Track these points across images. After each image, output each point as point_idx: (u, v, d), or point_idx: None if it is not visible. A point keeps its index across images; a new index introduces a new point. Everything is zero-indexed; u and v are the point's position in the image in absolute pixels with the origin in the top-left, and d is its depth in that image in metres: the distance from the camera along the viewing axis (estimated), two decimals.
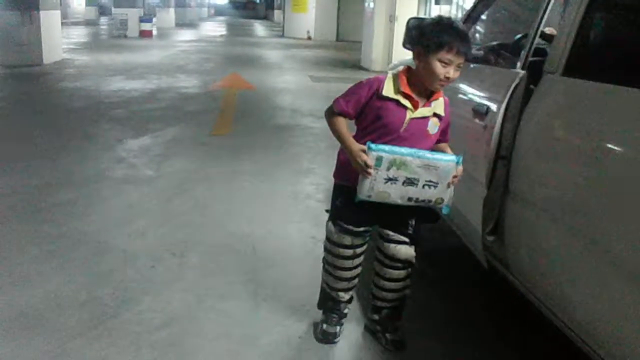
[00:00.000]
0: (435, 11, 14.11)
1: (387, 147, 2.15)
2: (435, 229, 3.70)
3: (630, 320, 1.67)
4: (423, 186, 2.19)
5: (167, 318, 2.72)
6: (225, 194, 4.57)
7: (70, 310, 2.75)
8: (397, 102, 2.22)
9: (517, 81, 2.33)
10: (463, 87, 2.96)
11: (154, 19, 23.69)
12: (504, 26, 3.87)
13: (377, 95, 2.24)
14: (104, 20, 36.06)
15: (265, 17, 56.38)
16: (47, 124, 6.91)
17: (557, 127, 2.17)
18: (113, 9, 23.51)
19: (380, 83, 2.26)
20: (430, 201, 2.26)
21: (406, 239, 2.46)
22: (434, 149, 2.30)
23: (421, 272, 2.60)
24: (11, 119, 7.21)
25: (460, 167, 2.21)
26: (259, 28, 35.89)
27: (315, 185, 4.83)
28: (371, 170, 2.15)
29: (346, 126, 2.31)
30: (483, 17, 3.73)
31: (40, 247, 3.41)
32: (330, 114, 2.34)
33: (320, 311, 2.68)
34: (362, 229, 2.43)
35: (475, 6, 3.55)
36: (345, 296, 2.59)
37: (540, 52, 2.54)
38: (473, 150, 2.55)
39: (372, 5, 14.27)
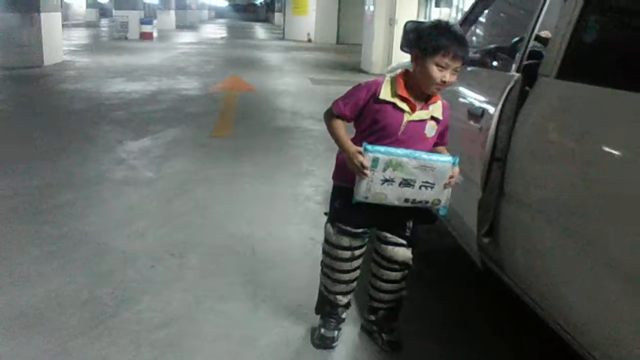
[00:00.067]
0: (435, 14, 14.14)
1: (382, 148, 2.16)
2: (432, 230, 3.73)
3: (625, 322, 1.68)
4: (420, 187, 2.20)
5: (167, 318, 2.75)
6: (225, 196, 4.60)
7: (71, 309, 2.78)
8: (395, 105, 2.23)
9: (511, 84, 2.35)
10: (460, 89, 2.99)
11: (155, 21, 23.77)
12: (502, 29, 3.89)
13: (375, 98, 2.25)
14: (104, 22, 36.14)
15: (266, 19, 56.50)
16: (47, 125, 6.94)
17: (552, 129, 2.19)
18: (114, 11, 23.53)
19: (378, 86, 2.26)
20: (427, 202, 2.26)
21: (403, 241, 2.47)
22: (431, 152, 2.32)
23: (418, 273, 2.62)
24: (12, 120, 7.24)
25: (457, 168, 2.22)
26: (260, 31, 35.95)
27: (314, 187, 4.86)
28: (367, 172, 2.16)
29: (344, 129, 2.33)
30: (481, 19, 3.76)
31: (41, 247, 3.44)
32: (329, 116, 2.36)
33: (318, 316, 2.67)
34: (360, 230, 2.43)
35: (472, 9, 3.58)
36: (343, 300, 2.58)
37: (537, 55, 2.57)
38: (469, 152, 2.58)
39: (372, 8, 14.30)
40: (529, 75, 2.35)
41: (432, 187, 2.21)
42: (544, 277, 2.15)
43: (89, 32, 26.33)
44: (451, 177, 2.21)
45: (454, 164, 2.21)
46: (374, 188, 2.19)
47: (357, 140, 2.30)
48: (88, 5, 40.28)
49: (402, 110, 2.23)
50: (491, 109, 2.47)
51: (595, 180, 1.85)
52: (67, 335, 2.56)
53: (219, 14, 67.17)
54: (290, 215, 4.22)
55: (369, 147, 2.16)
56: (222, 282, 3.13)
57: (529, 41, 2.45)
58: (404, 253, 2.48)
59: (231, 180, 4.99)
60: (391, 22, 13.61)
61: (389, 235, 2.47)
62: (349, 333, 2.68)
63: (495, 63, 2.93)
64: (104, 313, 2.76)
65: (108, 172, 5.08)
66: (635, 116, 1.76)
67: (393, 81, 2.27)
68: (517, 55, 2.49)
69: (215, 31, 32.67)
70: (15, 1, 11.40)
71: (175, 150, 5.93)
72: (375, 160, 2.15)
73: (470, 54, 3.13)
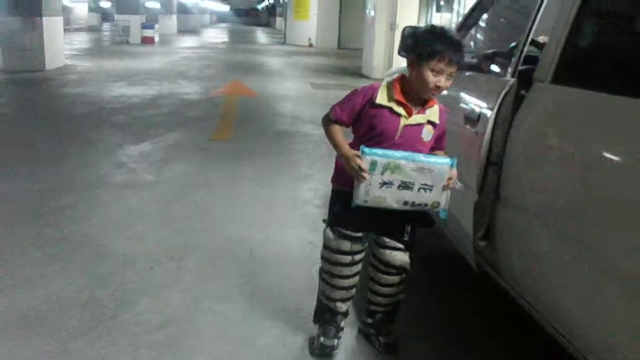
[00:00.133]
0: (436, 19, 14.19)
1: (380, 151, 2.16)
2: (430, 234, 3.73)
3: (621, 326, 1.68)
4: (418, 190, 2.20)
5: (165, 319, 2.77)
6: (224, 199, 4.62)
7: (71, 311, 2.81)
8: (391, 109, 2.25)
9: (506, 89, 2.38)
10: (457, 94, 3.01)
11: (156, 26, 23.84)
12: (501, 34, 3.91)
13: (372, 103, 2.27)
14: (106, 26, 36.26)
15: (267, 24, 56.61)
16: (49, 129, 6.98)
17: (547, 134, 2.21)
18: (115, 16, 23.63)
19: (374, 91, 2.28)
20: (426, 205, 2.26)
21: (401, 246, 2.48)
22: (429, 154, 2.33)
23: (416, 277, 2.63)
24: (14, 124, 7.28)
25: (455, 170, 2.22)
26: (261, 35, 36.03)
27: (313, 191, 4.89)
28: (365, 175, 2.16)
29: (342, 134, 2.34)
30: (479, 24, 3.78)
31: (42, 250, 3.46)
32: (327, 121, 2.38)
33: (316, 326, 2.64)
34: (360, 234, 2.43)
35: (470, 14, 3.61)
36: (343, 307, 2.56)
37: (533, 60, 2.59)
38: (466, 156, 2.60)
39: (373, 13, 14.33)
40: (525, 80, 2.38)
41: (430, 190, 2.21)
42: (539, 281, 2.16)
43: (90, 36, 26.41)
44: (450, 179, 2.22)
45: (451, 165, 2.21)
46: (372, 191, 2.20)
47: (355, 146, 2.29)
48: (90, 10, 40.39)
49: (399, 115, 2.25)
50: (487, 114, 2.50)
51: (591, 185, 1.86)
52: (67, 337, 2.59)
53: (220, 18, 67.34)
54: (289, 219, 4.25)
55: (367, 150, 2.17)
56: (220, 284, 3.15)
57: (524, 46, 2.47)
58: (401, 257, 2.48)
59: (231, 183, 5.02)
60: (392, 26, 13.63)
61: (387, 239, 2.47)
62: (346, 336, 2.69)
63: (492, 68, 2.96)
64: (104, 314, 2.79)
65: (109, 175, 5.11)
66: (630, 121, 1.77)
67: (389, 86, 2.28)
68: (512, 60, 2.51)
69: (216, 36, 32.75)
70: (18, 5, 11.44)
71: (175, 154, 5.96)
72: (373, 164, 2.15)
73: (468, 59, 3.16)
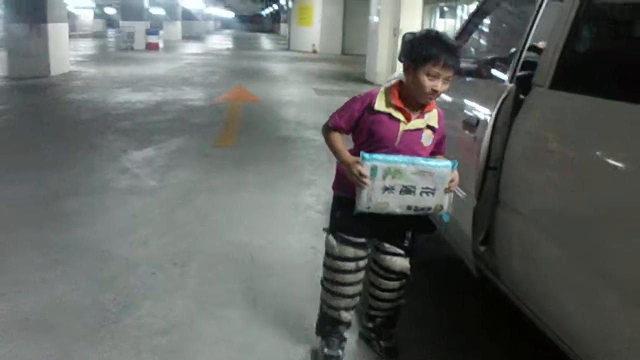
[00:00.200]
0: (440, 24, 14.22)
1: (380, 156, 2.16)
2: (431, 239, 3.74)
3: (621, 331, 1.69)
4: (420, 194, 2.19)
5: (168, 324, 2.79)
6: (227, 205, 4.64)
7: (74, 315, 2.83)
8: (390, 115, 2.25)
9: (505, 94, 2.39)
10: (456, 99, 3.03)
11: (161, 32, 23.95)
12: (502, 39, 3.93)
13: (370, 109, 2.27)
14: (111, 32, 36.41)
15: (272, 30, 56.78)
16: (54, 135, 7.02)
17: (545, 139, 2.22)
18: (120, 22, 23.75)
19: (372, 98, 2.29)
20: (429, 209, 2.26)
21: (401, 251, 2.48)
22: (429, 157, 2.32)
23: (417, 282, 2.64)
24: (19, 130, 7.33)
25: (456, 172, 2.22)
26: (265, 41, 36.14)
27: (316, 196, 4.90)
28: (367, 180, 2.16)
29: (342, 141, 2.35)
30: (481, 30, 3.79)
31: (46, 255, 3.49)
32: (326, 130, 2.38)
33: (319, 338, 2.62)
34: (363, 240, 2.42)
35: (470, 19, 3.62)
36: (347, 316, 2.53)
37: (532, 66, 2.60)
38: (465, 161, 2.61)
39: (376, 19, 14.37)
40: (524, 85, 2.39)
41: (432, 193, 2.21)
42: (539, 285, 2.17)
43: (95, 42, 26.57)
44: (451, 181, 2.22)
45: (452, 167, 2.21)
46: (375, 197, 2.19)
47: (355, 153, 2.29)
48: (95, 16, 40.62)
49: (398, 120, 2.25)
50: (486, 119, 2.51)
51: (590, 189, 1.87)
52: (70, 340, 2.61)
53: (225, 24, 67.53)
54: (292, 224, 4.26)
55: (367, 155, 2.17)
56: (223, 290, 3.17)
57: (522, 52, 2.48)
58: (401, 263, 2.48)
59: (234, 189, 5.04)
60: (395, 32, 13.65)
61: (387, 245, 2.47)
62: (347, 340, 2.69)
63: (491, 74, 2.97)
64: (107, 319, 2.81)
65: (113, 181, 5.14)
66: (628, 126, 1.78)
67: (387, 92, 2.29)
68: (511, 65, 2.52)
69: (221, 42, 32.87)
70: (23, 12, 11.54)
71: (179, 160, 5.99)
72: (374, 169, 2.15)
73: (469, 65, 3.18)
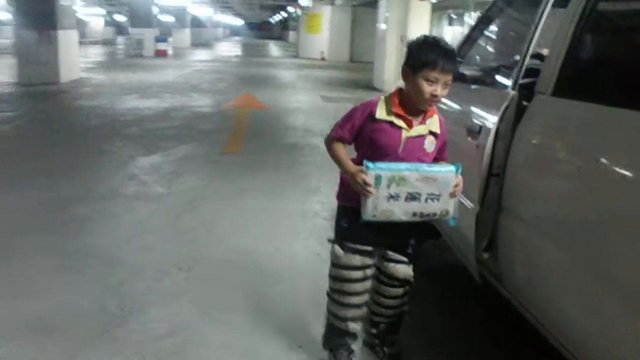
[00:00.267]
0: (447, 32, 14.24)
1: (384, 165, 2.16)
2: (435, 246, 3.76)
3: (624, 338, 1.69)
4: (426, 200, 2.19)
5: (172, 328, 2.81)
6: (233, 211, 4.67)
7: (80, 319, 2.86)
8: (392, 123, 2.25)
9: (507, 101, 2.40)
10: (460, 106, 3.04)
11: (170, 39, 24.13)
12: (505, 47, 3.94)
13: (372, 118, 2.27)
14: (121, 39, 36.66)
15: (280, 37, 56.99)
16: (63, 141, 7.09)
17: (548, 146, 2.24)
18: (130, 29, 23.94)
19: (373, 106, 2.29)
20: (435, 214, 2.25)
21: (405, 259, 2.47)
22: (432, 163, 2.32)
23: (420, 288, 2.65)
24: (29, 136, 7.40)
25: (460, 177, 2.22)
26: (274, 48, 36.27)
27: (322, 203, 4.91)
28: (371, 189, 2.15)
29: (345, 151, 2.35)
30: (486, 37, 3.80)
31: (54, 260, 3.53)
32: (329, 140, 2.39)
33: (327, 352, 2.60)
34: (369, 248, 2.41)
35: (475, 27, 3.64)
36: (356, 327, 2.51)
37: (535, 73, 2.61)
38: (468, 168, 2.61)
39: (384, 26, 14.39)
40: (526, 92, 2.40)
41: (438, 199, 2.20)
42: (542, 292, 2.17)
43: (105, 49, 26.76)
44: (456, 185, 2.21)
45: (456, 172, 2.21)
46: (380, 206, 2.18)
47: (358, 162, 2.28)
48: (105, 24, 40.93)
49: (400, 128, 2.25)
50: (488, 126, 2.52)
51: (592, 197, 1.88)
52: (75, 344, 2.64)
53: (234, 32, 67.85)
54: (298, 231, 4.27)
55: (370, 164, 2.16)
56: (228, 295, 3.18)
57: (524, 59, 2.49)
58: (404, 270, 2.48)
59: (241, 196, 5.07)
60: (403, 39, 13.66)
61: (390, 252, 2.46)
62: (355, 353, 2.68)
63: (494, 81, 2.98)
64: (112, 323, 2.83)
65: (121, 187, 5.18)
66: (631, 133, 1.79)
67: (387, 100, 2.29)
68: (514, 72, 2.53)
69: (229, 49, 33.02)
70: (33, 19, 11.65)
71: (186, 167, 6.02)
72: (378, 178, 2.15)
73: (473, 72, 3.19)
